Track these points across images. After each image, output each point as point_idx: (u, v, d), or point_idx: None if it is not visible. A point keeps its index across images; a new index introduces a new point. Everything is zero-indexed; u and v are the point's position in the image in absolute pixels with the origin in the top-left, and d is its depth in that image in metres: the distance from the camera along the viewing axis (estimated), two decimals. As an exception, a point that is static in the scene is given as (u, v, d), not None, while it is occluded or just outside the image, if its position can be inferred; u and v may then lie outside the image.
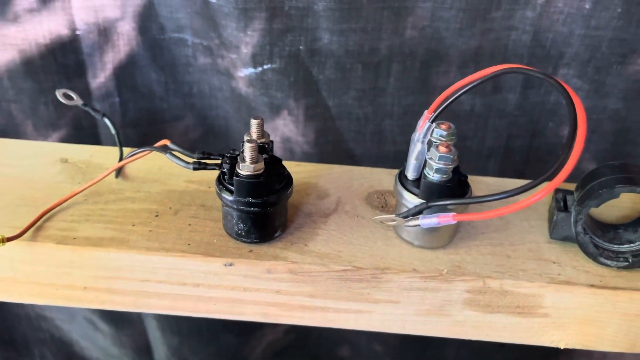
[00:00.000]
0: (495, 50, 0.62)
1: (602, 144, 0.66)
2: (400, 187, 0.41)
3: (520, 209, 0.33)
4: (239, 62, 0.65)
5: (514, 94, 0.65)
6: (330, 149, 0.71)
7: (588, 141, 0.67)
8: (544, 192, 0.31)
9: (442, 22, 0.61)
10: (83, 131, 0.71)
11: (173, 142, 0.43)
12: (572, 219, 0.40)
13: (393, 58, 0.64)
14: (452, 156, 0.38)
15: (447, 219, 0.36)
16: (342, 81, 0.66)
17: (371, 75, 0.65)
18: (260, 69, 0.65)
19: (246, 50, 0.64)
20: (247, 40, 0.63)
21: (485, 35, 0.62)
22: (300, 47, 0.64)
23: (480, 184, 0.48)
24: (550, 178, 0.31)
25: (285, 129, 0.70)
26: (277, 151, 0.72)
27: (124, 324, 0.87)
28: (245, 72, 0.66)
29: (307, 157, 0.71)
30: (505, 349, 0.86)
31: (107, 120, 0.48)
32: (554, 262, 0.41)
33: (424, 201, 0.38)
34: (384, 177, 0.49)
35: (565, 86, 0.32)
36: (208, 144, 0.74)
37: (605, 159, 0.67)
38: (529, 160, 0.70)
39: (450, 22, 0.61)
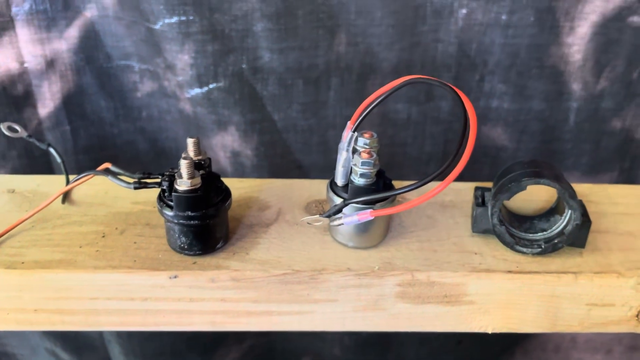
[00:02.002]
0: (425, 61, 0.67)
1: (531, 143, 0.71)
2: (331, 193, 0.44)
3: (425, 201, 0.36)
4: (185, 84, 0.68)
5: (446, 101, 0.69)
6: (279, 160, 0.74)
7: (519, 141, 0.71)
8: (445, 183, 0.35)
9: (374, 38, 0.65)
10: (35, 160, 0.72)
11: (115, 165, 0.46)
12: (489, 213, 0.44)
13: (331, 72, 0.68)
14: (373, 161, 0.41)
15: (365, 215, 0.39)
16: (285, 96, 0.69)
17: (312, 90, 0.69)
18: (206, 88, 0.68)
19: (191, 72, 0.67)
20: (192, 62, 0.66)
21: (415, 48, 0.66)
22: (243, 66, 0.67)
23: (409, 186, 0.51)
24: (442, 177, 0.35)
25: (234, 144, 0.72)
26: (228, 166, 0.74)
27: (86, 352, 0.87)
28: (191, 92, 0.68)
29: (257, 170, 0.74)
30: (462, 346, 0.89)
31: (52, 150, 0.50)
32: (475, 253, 0.45)
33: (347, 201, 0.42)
34: (323, 187, 0.52)
35: (458, 91, 0.35)
36: (160, 165, 0.76)
37: (535, 157, 0.71)
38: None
39: (381, 37, 0.65)
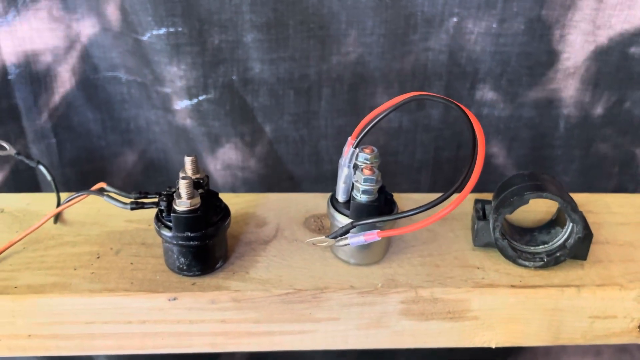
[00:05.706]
0: (416, 70, 0.66)
1: (522, 149, 0.71)
2: (332, 210, 0.44)
3: (435, 221, 0.36)
4: (174, 95, 0.67)
5: (437, 110, 0.69)
6: (271, 172, 0.73)
7: (509, 149, 0.72)
8: (454, 204, 0.35)
9: (365, 47, 0.65)
10: (20, 175, 0.70)
11: (109, 183, 0.45)
12: (490, 226, 0.44)
13: (322, 83, 0.67)
14: (376, 178, 0.41)
15: (372, 236, 0.39)
16: (277, 107, 0.69)
17: (303, 100, 0.68)
18: (195, 100, 0.67)
19: (180, 84, 0.65)
20: (181, 74, 0.65)
21: (406, 57, 0.66)
22: (233, 77, 0.66)
23: (408, 200, 0.51)
24: (459, 190, 0.35)
25: (225, 156, 0.71)
26: (219, 179, 0.73)
27: None
28: (181, 104, 0.67)
29: (249, 182, 0.73)
30: (454, 354, 0.89)
31: (42, 167, 0.48)
32: (478, 268, 0.44)
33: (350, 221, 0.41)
34: (320, 201, 0.52)
35: (464, 108, 0.35)
36: (149, 177, 0.74)
37: (526, 164, 0.72)
38: (457, 170, 0.74)
39: (372, 47, 0.65)
